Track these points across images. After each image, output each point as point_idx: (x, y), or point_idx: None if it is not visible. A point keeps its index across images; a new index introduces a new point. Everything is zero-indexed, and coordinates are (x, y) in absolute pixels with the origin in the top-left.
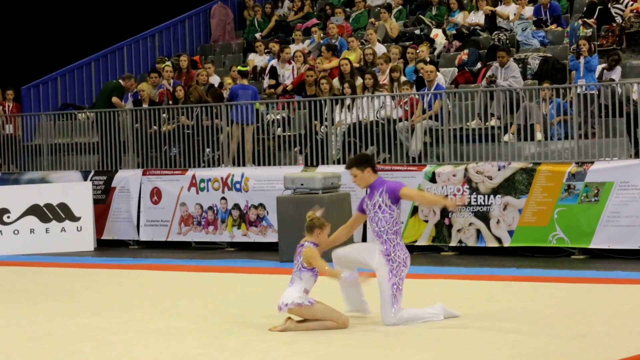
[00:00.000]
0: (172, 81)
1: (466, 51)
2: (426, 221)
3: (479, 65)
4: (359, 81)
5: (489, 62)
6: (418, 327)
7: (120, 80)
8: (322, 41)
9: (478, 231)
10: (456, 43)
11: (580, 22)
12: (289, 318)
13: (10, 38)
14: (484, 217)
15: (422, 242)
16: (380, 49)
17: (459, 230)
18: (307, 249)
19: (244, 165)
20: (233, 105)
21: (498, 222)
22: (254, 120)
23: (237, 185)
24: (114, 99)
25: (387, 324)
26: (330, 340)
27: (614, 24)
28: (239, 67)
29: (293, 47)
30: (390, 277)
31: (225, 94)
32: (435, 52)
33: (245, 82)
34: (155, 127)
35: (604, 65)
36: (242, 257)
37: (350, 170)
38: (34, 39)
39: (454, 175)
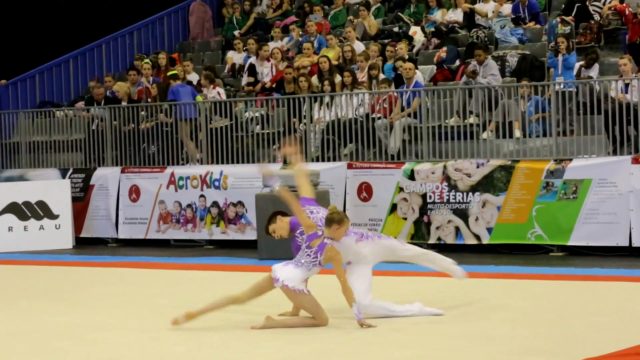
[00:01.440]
0: (151, 79)
1: (445, 49)
2: (405, 219)
3: (457, 62)
4: (337, 79)
5: (467, 60)
6: (397, 323)
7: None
8: (300, 39)
9: (457, 228)
10: (435, 41)
11: (558, 19)
12: (268, 317)
13: None
14: (463, 214)
15: (401, 239)
16: (359, 46)
17: (437, 228)
18: (334, 251)
19: (221, 163)
20: (177, 104)
21: (477, 219)
22: (197, 115)
23: (216, 183)
24: None
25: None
26: (312, 338)
27: (592, 22)
28: (169, 72)
29: (272, 45)
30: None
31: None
32: (414, 50)
33: (180, 82)
34: (133, 125)
35: (582, 62)
36: (221, 254)
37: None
38: (10, 36)
39: (433, 173)
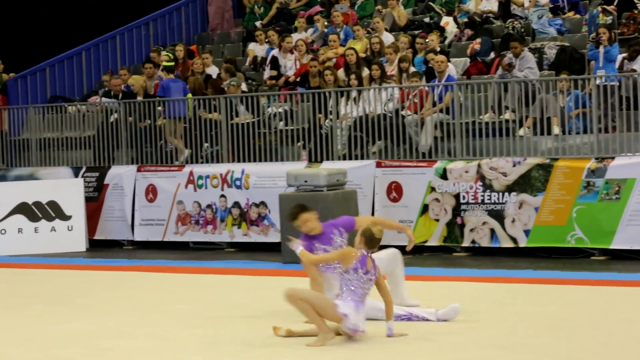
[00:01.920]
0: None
1: (479, 40)
2: (437, 220)
3: (492, 55)
4: (365, 72)
5: (502, 52)
6: (429, 333)
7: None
8: (326, 30)
9: (492, 231)
10: (468, 32)
11: (599, 9)
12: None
13: None
14: (499, 216)
15: (433, 242)
16: (388, 38)
17: (472, 230)
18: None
19: (243, 161)
20: (167, 100)
21: (513, 221)
22: (186, 114)
23: (237, 182)
24: None
25: None
26: (340, 346)
27: (636, 11)
28: (165, 63)
29: (295, 36)
30: None
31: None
32: (446, 42)
33: (172, 76)
34: (149, 121)
35: (624, 54)
36: (243, 258)
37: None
38: (20, 27)
39: (467, 172)
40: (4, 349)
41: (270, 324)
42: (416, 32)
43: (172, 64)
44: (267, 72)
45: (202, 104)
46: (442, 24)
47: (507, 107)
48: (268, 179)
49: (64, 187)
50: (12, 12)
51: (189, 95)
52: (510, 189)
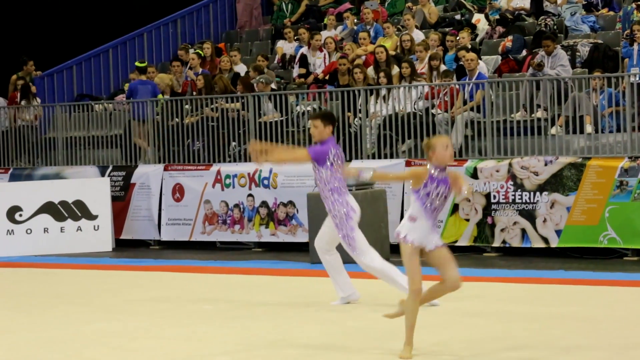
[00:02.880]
0: (199, 70)
1: (510, 38)
2: (467, 220)
3: (524, 52)
4: (395, 70)
5: (534, 50)
6: (458, 331)
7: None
8: (355, 27)
9: (523, 231)
10: (500, 29)
11: (634, 5)
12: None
13: (22, 25)
14: (530, 215)
15: (463, 242)
16: (418, 35)
17: (502, 230)
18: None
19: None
20: (134, 102)
21: (545, 221)
22: (154, 116)
23: (265, 182)
24: None
25: (360, 265)
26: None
27: None
28: (137, 63)
29: (324, 34)
30: (338, 231)
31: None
32: (477, 39)
33: (143, 77)
34: (177, 119)
35: None
36: (271, 258)
37: (314, 121)
38: (46, 25)
39: (498, 171)
40: (30, 349)
41: (298, 325)
42: (447, 29)
43: (145, 64)
44: (296, 70)
45: (231, 102)
46: (473, 21)
47: (539, 106)
48: (296, 178)
49: (91, 187)
50: (39, 11)
51: (160, 96)
52: (541, 188)
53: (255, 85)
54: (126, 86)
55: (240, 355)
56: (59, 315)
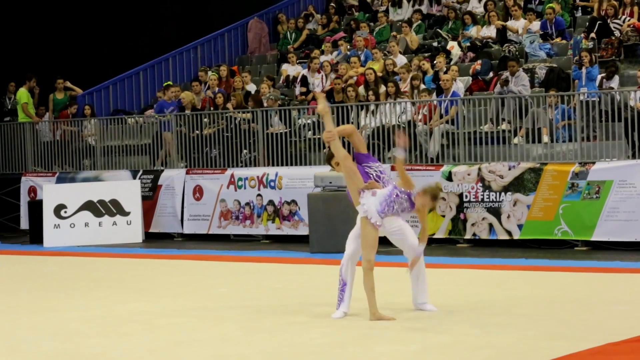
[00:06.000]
0: (217, 89)
1: (479, 62)
2: (443, 216)
3: (491, 74)
4: (382, 89)
5: (500, 72)
6: (428, 312)
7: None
8: (348, 52)
9: (490, 225)
10: (470, 54)
11: (582, 35)
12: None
13: (68, 50)
14: (496, 212)
15: (439, 235)
16: (402, 59)
17: (473, 224)
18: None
19: (277, 165)
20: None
21: (508, 216)
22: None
23: (272, 184)
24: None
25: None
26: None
27: (613, 38)
28: (165, 84)
29: (322, 58)
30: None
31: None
32: (451, 63)
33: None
34: (197, 131)
35: (603, 74)
36: (276, 248)
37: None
38: (87, 51)
39: (469, 174)
40: (74, 325)
41: (299, 303)
42: (426, 54)
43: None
44: (298, 89)
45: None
46: (448, 47)
47: (503, 119)
48: (298, 181)
49: (124, 188)
50: (82, 39)
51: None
52: (506, 189)
53: (265, 101)
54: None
55: (252, 329)
56: (97, 297)
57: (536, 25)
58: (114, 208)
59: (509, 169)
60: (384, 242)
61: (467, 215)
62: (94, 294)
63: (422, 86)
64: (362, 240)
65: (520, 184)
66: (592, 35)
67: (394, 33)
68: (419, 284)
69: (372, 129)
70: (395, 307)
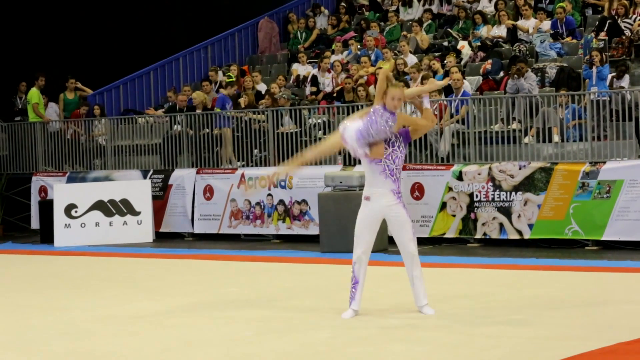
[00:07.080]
0: (235, 89)
1: (490, 61)
2: (454, 215)
3: (501, 74)
4: None
5: (510, 71)
6: (437, 309)
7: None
8: (359, 52)
9: (501, 225)
10: (481, 54)
11: (593, 35)
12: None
13: (79, 51)
14: (507, 211)
15: (450, 234)
16: (412, 59)
17: (483, 224)
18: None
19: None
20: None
21: (519, 216)
22: (230, 124)
23: (282, 183)
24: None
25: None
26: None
27: (624, 37)
28: (227, 80)
29: (333, 58)
30: (408, 217)
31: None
32: (462, 62)
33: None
34: (207, 130)
35: (614, 74)
36: (286, 248)
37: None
38: (97, 51)
39: (479, 174)
40: (85, 325)
41: (309, 303)
42: (436, 54)
43: (232, 79)
44: (308, 89)
45: (253, 113)
46: (458, 47)
47: (514, 119)
48: (308, 180)
49: (135, 187)
50: (92, 40)
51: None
52: (516, 188)
53: (278, 99)
54: (191, 96)
55: (262, 329)
56: (108, 296)
57: (547, 24)
58: (124, 208)
59: (520, 169)
60: (392, 242)
61: (477, 215)
62: (104, 293)
63: None
64: (323, 142)
65: (530, 184)
66: (603, 34)
67: (405, 32)
68: (416, 287)
69: None
70: (404, 308)
